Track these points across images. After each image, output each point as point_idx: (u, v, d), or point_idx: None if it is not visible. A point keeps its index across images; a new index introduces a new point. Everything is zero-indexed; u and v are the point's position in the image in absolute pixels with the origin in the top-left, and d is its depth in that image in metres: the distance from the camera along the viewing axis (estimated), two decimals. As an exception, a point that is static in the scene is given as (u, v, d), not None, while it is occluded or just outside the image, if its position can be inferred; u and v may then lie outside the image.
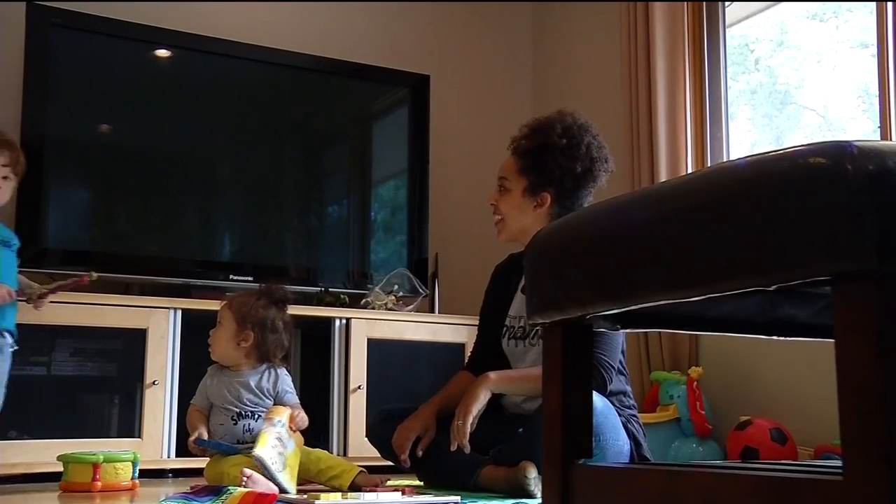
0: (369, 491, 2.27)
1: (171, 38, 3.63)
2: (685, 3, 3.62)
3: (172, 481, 3.07)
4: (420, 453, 2.48)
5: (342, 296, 3.71)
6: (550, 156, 2.46)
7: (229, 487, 2.10)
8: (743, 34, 3.79)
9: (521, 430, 2.37)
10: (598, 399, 2.17)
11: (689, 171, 3.52)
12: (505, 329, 2.63)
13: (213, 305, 2.93)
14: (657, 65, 3.60)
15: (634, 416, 2.45)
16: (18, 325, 3.03)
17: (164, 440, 3.18)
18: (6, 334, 2.81)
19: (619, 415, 2.35)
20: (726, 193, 0.90)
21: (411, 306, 3.81)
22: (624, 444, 2.31)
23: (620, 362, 2.46)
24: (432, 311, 3.92)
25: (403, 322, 3.66)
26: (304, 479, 2.50)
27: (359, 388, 3.47)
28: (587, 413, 1.17)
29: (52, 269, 3.32)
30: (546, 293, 1.16)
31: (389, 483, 2.53)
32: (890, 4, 2.94)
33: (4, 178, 2.80)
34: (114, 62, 3.59)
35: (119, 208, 3.61)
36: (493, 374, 2.45)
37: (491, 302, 2.74)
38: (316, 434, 3.33)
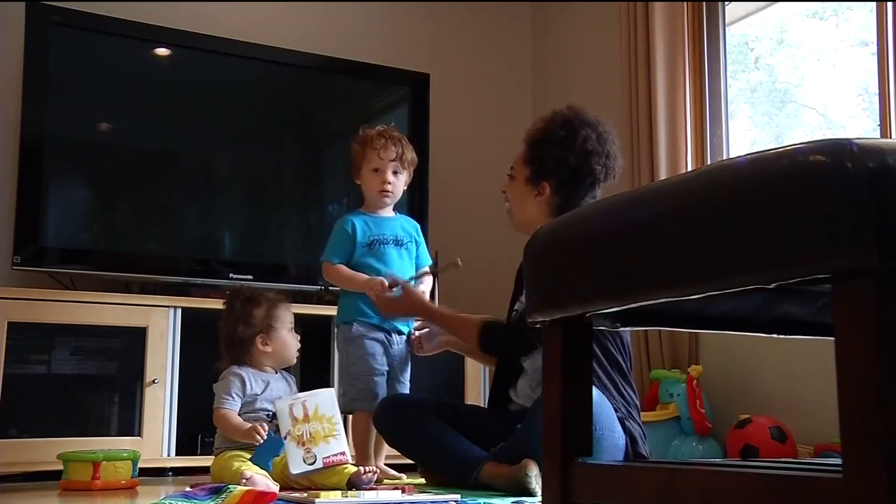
0: (369, 490, 2.27)
1: (170, 37, 3.63)
2: (685, 2, 3.62)
3: (172, 480, 3.07)
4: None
5: (342, 294, 3.70)
6: (548, 146, 2.54)
7: (229, 486, 2.10)
8: (743, 33, 3.79)
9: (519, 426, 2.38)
10: (594, 391, 2.19)
11: (689, 169, 3.52)
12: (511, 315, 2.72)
13: (213, 304, 2.93)
14: (657, 64, 3.59)
15: (633, 414, 2.45)
16: (18, 324, 3.04)
17: (164, 439, 3.18)
18: (393, 334, 2.79)
19: (616, 410, 2.35)
20: (726, 191, 0.90)
21: (411, 305, 3.80)
22: (620, 437, 2.32)
23: (623, 359, 2.48)
24: (432, 309, 3.91)
25: (403, 321, 3.65)
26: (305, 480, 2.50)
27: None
28: (587, 411, 1.17)
29: (52, 268, 3.33)
30: (546, 291, 1.16)
31: (388, 481, 2.53)
32: (890, 3, 2.94)
33: (395, 172, 2.79)
34: (113, 61, 3.58)
35: (119, 207, 3.61)
36: (440, 313, 2.71)
37: (511, 301, 2.80)
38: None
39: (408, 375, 2.83)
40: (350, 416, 2.78)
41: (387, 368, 2.76)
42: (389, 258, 2.79)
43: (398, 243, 2.82)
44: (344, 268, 2.78)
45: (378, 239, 2.79)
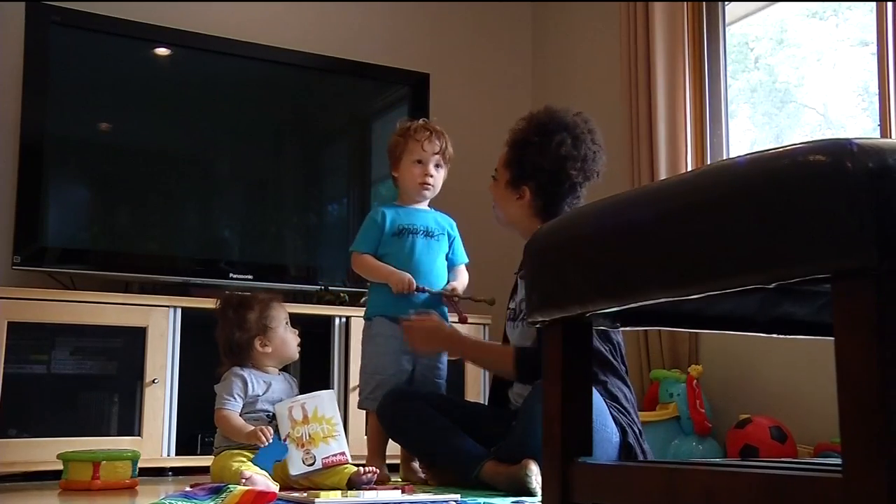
0: (369, 489, 2.27)
1: (170, 37, 3.63)
2: (685, 2, 3.61)
3: (172, 480, 3.07)
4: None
5: (342, 294, 3.71)
6: (524, 151, 2.55)
7: (229, 486, 2.10)
8: (743, 32, 3.79)
9: (514, 423, 2.39)
10: None
11: (689, 169, 3.52)
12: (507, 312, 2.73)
13: (212, 304, 2.93)
14: (657, 64, 3.59)
15: (627, 409, 2.45)
16: (18, 324, 3.04)
17: (164, 438, 3.18)
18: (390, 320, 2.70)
19: (609, 406, 2.36)
20: (726, 191, 0.90)
21: (411, 305, 3.79)
22: (613, 434, 2.32)
23: (612, 357, 2.49)
24: (432, 309, 3.91)
25: (403, 320, 3.65)
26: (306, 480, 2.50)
27: (358, 386, 3.46)
28: (587, 411, 1.18)
29: (52, 268, 3.33)
30: (546, 291, 1.16)
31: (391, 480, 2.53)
32: (890, 3, 2.94)
33: (437, 166, 2.76)
34: (113, 61, 3.58)
35: (119, 206, 3.61)
36: (466, 343, 2.66)
37: (509, 301, 2.80)
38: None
39: (441, 368, 2.76)
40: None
41: (406, 367, 2.70)
42: (416, 248, 2.72)
43: (428, 234, 2.75)
44: (369, 257, 2.73)
45: (407, 228, 2.73)
